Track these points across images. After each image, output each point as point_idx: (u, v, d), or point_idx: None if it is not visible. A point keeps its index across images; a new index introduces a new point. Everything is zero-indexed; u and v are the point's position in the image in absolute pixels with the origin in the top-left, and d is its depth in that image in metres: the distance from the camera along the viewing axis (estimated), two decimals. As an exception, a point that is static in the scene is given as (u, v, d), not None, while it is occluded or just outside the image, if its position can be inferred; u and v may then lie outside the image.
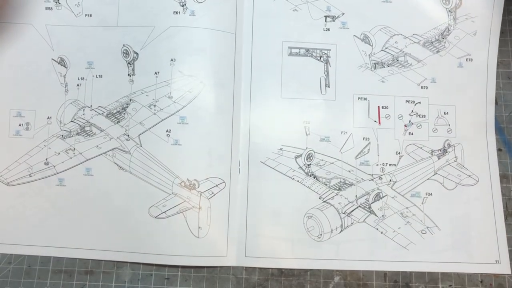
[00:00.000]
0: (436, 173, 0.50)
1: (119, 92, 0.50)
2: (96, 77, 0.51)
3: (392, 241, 0.48)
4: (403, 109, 0.51)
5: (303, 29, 0.52)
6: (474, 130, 0.51)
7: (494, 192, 0.49)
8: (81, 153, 0.49)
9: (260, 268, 0.48)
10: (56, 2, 0.52)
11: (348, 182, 0.49)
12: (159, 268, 0.48)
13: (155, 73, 0.50)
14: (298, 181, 0.49)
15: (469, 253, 0.48)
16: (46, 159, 0.49)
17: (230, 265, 0.47)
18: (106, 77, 0.51)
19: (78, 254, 0.48)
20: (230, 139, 0.49)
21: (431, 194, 0.49)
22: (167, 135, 0.49)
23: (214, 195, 0.48)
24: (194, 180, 0.48)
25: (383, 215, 0.49)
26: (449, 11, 0.53)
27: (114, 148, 0.49)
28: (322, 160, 0.50)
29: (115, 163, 0.49)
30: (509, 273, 0.48)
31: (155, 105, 0.50)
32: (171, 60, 0.50)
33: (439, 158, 0.50)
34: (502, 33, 0.53)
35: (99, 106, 0.50)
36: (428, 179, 0.50)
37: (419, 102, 0.51)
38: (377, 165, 0.50)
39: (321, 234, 0.48)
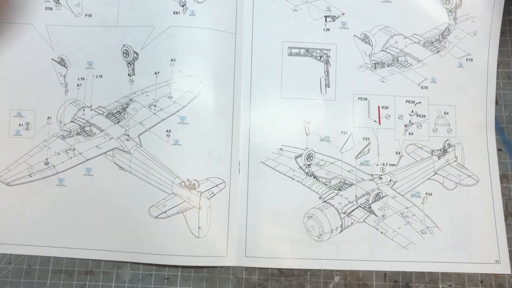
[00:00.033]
0: (436, 173, 0.50)
1: (119, 92, 0.50)
2: (96, 77, 0.51)
3: (392, 241, 0.48)
4: (403, 109, 0.51)
5: (303, 29, 0.52)
6: (474, 130, 0.51)
7: (494, 192, 0.49)
8: (81, 153, 0.49)
9: (260, 268, 0.48)
10: (56, 2, 0.52)
11: (348, 182, 0.49)
12: (159, 268, 0.48)
13: (155, 73, 0.50)
14: (298, 181, 0.49)
15: (469, 253, 0.48)
16: (46, 159, 0.49)
17: (230, 265, 0.47)
18: (106, 77, 0.51)
19: (78, 254, 0.48)
20: (230, 139, 0.49)
21: (431, 194, 0.49)
22: (167, 135, 0.49)
23: (214, 195, 0.48)
24: (194, 180, 0.48)
25: (383, 215, 0.49)
26: (449, 11, 0.53)
27: (114, 148, 0.49)
28: (322, 160, 0.50)
29: (115, 163, 0.49)
30: (509, 273, 0.48)
31: (155, 105, 0.50)
32: (171, 60, 0.50)
33: (439, 158, 0.50)
34: (502, 33, 0.53)
35: (99, 106, 0.50)
36: (428, 179, 0.50)
37: (419, 102, 0.51)
38: (377, 165, 0.50)
39: (321, 234, 0.48)
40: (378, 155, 0.50)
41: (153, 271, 0.48)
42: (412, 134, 0.51)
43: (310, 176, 0.49)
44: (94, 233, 0.48)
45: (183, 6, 0.51)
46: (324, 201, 0.49)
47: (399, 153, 0.50)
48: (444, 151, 0.51)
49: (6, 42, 0.51)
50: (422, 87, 0.52)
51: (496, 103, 0.52)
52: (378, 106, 0.51)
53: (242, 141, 0.50)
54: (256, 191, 0.49)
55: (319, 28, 0.52)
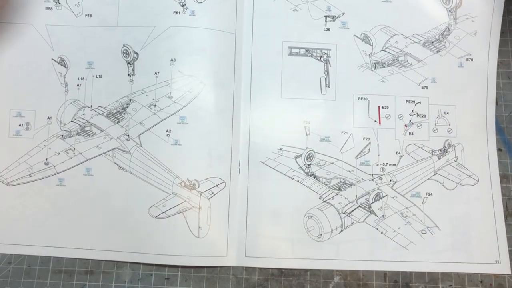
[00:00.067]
0: (436, 173, 0.50)
1: (119, 92, 0.50)
2: (96, 77, 0.51)
3: (392, 241, 0.48)
4: (403, 109, 0.51)
5: (303, 29, 0.52)
6: (474, 130, 0.51)
7: (494, 192, 0.49)
8: (81, 153, 0.49)
9: (260, 268, 0.48)
10: (56, 2, 0.52)
11: (348, 182, 0.49)
12: (159, 268, 0.48)
13: (155, 73, 0.50)
14: (298, 181, 0.49)
15: (469, 253, 0.48)
16: (46, 159, 0.49)
17: (230, 265, 0.47)
18: (106, 77, 0.51)
19: (78, 254, 0.48)
20: (230, 139, 0.49)
21: (431, 194, 0.49)
22: (167, 135, 0.49)
23: (214, 195, 0.48)
24: (194, 180, 0.48)
25: (383, 215, 0.49)
26: (450, 11, 0.53)
27: (114, 148, 0.49)
28: (322, 160, 0.50)
29: (115, 163, 0.49)
30: (509, 273, 0.48)
31: (155, 105, 0.50)
32: (171, 60, 0.50)
33: (439, 158, 0.50)
34: (502, 33, 0.53)
35: (99, 106, 0.50)
36: (428, 179, 0.50)
37: (420, 102, 0.51)
38: (377, 165, 0.50)
39: (321, 234, 0.48)
40: (378, 155, 0.50)
41: (153, 271, 0.48)
42: (412, 134, 0.51)
43: (310, 176, 0.49)
44: (94, 233, 0.48)
45: (183, 6, 0.51)
46: (324, 201, 0.49)
47: (399, 153, 0.50)
48: (444, 151, 0.51)
49: (6, 42, 0.51)
50: (422, 87, 0.52)
51: (496, 103, 0.52)
52: (378, 106, 0.51)
53: (242, 141, 0.50)
54: (256, 191, 0.49)
55: (319, 28, 0.52)
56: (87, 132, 0.50)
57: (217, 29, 0.51)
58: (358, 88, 0.51)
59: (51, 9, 0.52)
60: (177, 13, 0.51)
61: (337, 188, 0.49)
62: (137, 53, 0.50)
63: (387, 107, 0.51)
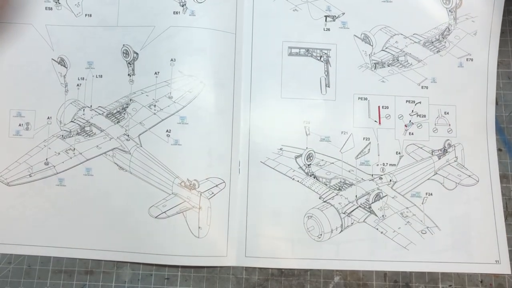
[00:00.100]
0: (436, 173, 0.50)
1: (119, 92, 0.50)
2: (96, 77, 0.51)
3: (392, 241, 0.48)
4: (403, 109, 0.51)
5: (303, 29, 0.52)
6: (474, 130, 0.51)
7: (494, 192, 0.49)
8: (81, 153, 0.49)
9: (260, 268, 0.48)
10: (56, 2, 0.52)
11: (348, 182, 0.49)
12: (159, 268, 0.48)
13: (155, 73, 0.50)
14: (298, 181, 0.49)
15: (469, 253, 0.48)
16: (46, 159, 0.49)
17: (230, 265, 0.47)
18: (106, 77, 0.51)
19: (78, 254, 0.48)
20: (230, 139, 0.49)
21: (431, 194, 0.49)
22: (167, 135, 0.49)
23: (214, 195, 0.48)
24: (194, 180, 0.48)
25: (383, 215, 0.49)
26: (450, 11, 0.53)
27: (114, 148, 0.49)
28: (322, 160, 0.50)
29: (115, 163, 0.49)
30: (509, 273, 0.48)
31: (155, 105, 0.50)
32: (171, 60, 0.50)
33: (439, 158, 0.50)
34: (503, 33, 0.53)
35: (99, 106, 0.50)
36: (428, 179, 0.50)
37: (420, 102, 0.51)
38: (377, 165, 0.50)
39: (321, 234, 0.48)
40: (378, 155, 0.50)
41: (153, 271, 0.48)
42: (412, 134, 0.51)
43: (310, 176, 0.49)
44: (94, 233, 0.48)
45: (183, 6, 0.51)
46: (324, 201, 0.49)
47: (399, 153, 0.50)
48: (444, 151, 0.51)
49: (6, 42, 0.51)
50: (422, 87, 0.52)
51: (496, 103, 0.52)
52: (378, 106, 0.51)
53: (242, 141, 0.50)
54: (256, 191, 0.49)
55: (319, 28, 0.52)
56: (87, 132, 0.50)
57: (217, 29, 0.51)
58: (358, 88, 0.51)
59: (51, 9, 0.52)
60: (177, 13, 0.51)
61: (337, 188, 0.49)
62: (137, 53, 0.50)
63: (387, 107, 0.51)
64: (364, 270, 0.48)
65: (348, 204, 0.49)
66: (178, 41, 0.50)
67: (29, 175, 0.49)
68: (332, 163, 0.50)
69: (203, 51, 0.50)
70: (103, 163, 0.49)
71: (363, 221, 0.49)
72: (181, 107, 0.49)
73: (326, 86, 0.51)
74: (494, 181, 0.50)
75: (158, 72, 0.50)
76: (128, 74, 0.50)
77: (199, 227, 0.47)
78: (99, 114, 0.50)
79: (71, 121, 0.50)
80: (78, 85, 0.51)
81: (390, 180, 0.50)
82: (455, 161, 0.50)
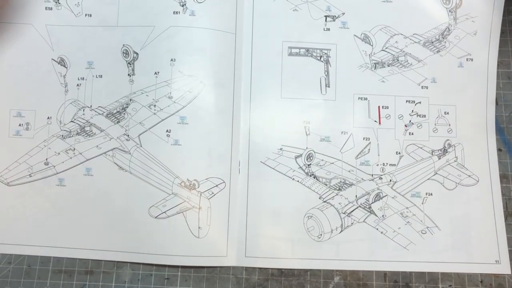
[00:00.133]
0: (436, 173, 0.50)
1: (119, 92, 0.50)
2: (96, 77, 0.51)
3: (392, 241, 0.48)
4: (403, 109, 0.51)
5: (303, 29, 0.52)
6: (474, 130, 0.51)
7: (494, 192, 0.49)
8: (81, 153, 0.49)
9: (260, 268, 0.48)
10: (56, 2, 0.52)
11: (348, 182, 0.49)
12: (159, 268, 0.48)
13: (155, 73, 0.50)
14: (298, 181, 0.49)
15: (469, 253, 0.48)
16: (46, 159, 0.49)
17: (230, 265, 0.47)
18: (106, 77, 0.51)
19: (78, 254, 0.48)
20: (230, 139, 0.49)
21: (431, 194, 0.49)
22: (167, 135, 0.49)
23: (214, 195, 0.48)
24: (194, 180, 0.48)
25: (383, 215, 0.49)
26: (450, 11, 0.53)
27: (114, 148, 0.49)
28: (322, 160, 0.50)
29: (115, 163, 0.49)
30: (509, 273, 0.48)
31: (155, 105, 0.50)
32: (171, 60, 0.50)
33: (439, 158, 0.50)
34: (502, 33, 0.53)
35: (99, 106, 0.50)
36: (428, 179, 0.50)
37: (420, 102, 0.51)
38: (377, 165, 0.50)
39: (321, 234, 0.48)
40: (378, 155, 0.50)
41: (153, 271, 0.48)
42: (412, 134, 0.51)
43: (310, 176, 0.49)
44: (94, 233, 0.48)
45: (183, 6, 0.51)
46: (324, 201, 0.49)
47: (399, 153, 0.50)
48: (444, 151, 0.51)
49: (6, 42, 0.51)
50: (422, 87, 0.52)
51: (496, 103, 0.52)
52: (378, 106, 0.51)
53: (242, 141, 0.50)
54: (256, 191, 0.49)
55: (319, 28, 0.52)
56: (87, 132, 0.50)
57: (217, 29, 0.51)
58: (358, 88, 0.51)
59: (51, 9, 0.52)
60: (177, 13, 0.51)
61: (337, 188, 0.49)
62: (137, 53, 0.50)
63: (387, 107, 0.51)
64: (364, 270, 0.48)
65: (348, 204, 0.49)
66: (178, 41, 0.50)
67: (29, 175, 0.49)
68: (332, 163, 0.50)
69: (203, 51, 0.50)
70: (103, 163, 0.49)
71: (363, 221, 0.49)
72: (181, 107, 0.49)
73: (326, 86, 0.51)
74: (494, 181, 0.50)
75: (158, 72, 0.50)
76: (128, 74, 0.50)
77: (199, 227, 0.47)
78: (99, 114, 0.50)
79: (71, 121, 0.50)
80: (78, 85, 0.51)
81: (390, 180, 0.50)
82: (455, 161, 0.50)
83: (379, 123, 0.51)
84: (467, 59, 0.52)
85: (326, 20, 0.52)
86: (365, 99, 0.51)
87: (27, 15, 0.52)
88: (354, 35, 0.52)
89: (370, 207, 0.49)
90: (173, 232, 0.47)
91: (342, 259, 0.48)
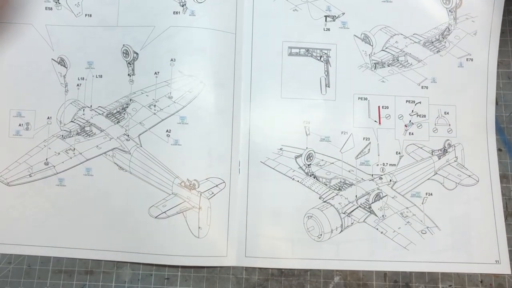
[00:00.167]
0: (436, 173, 0.50)
1: (119, 92, 0.50)
2: (96, 77, 0.51)
3: (392, 241, 0.48)
4: (403, 109, 0.51)
5: (303, 29, 0.52)
6: (474, 130, 0.51)
7: (494, 192, 0.49)
8: (81, 153, 0.49)
9: (260, 268, 0.48)
10: (56, 2, 0.52)
11: (348, 182, 0.49)
12: (159, 268, 0.48)
13: (155, 73, 0.50)
14: (298, 181, 0.49)
15: (469, 253, 0.48)
16: (46, 159, 0.49)
17: (230, 265, 0.47)
18: (106, 77, 0.51)
19: (78, 254, 0.48)
20: (230, 139, 0.49)
21: (431, 194, 0.49)
22: (167, 135, 0.49)
23: (214, 195, 0.48)
24: (194, 180, 0.48)
25: (383, 215, 0.49)
26: (450, 11, 0.53)
27: (114, 148, 0.49)
28: (322, 160, 0.50)
29: (115, 163, 0.49)
30: (509, 273, 0.48)
31: (155, 105, 0.50)
32: (171, 60, 0.50)
33: (439, 158, 0.50)
34: (503, 33, 0.53)
35: (99, 106, 0.50)
36: (428, 179, 0.50)
37: (420, 102, 0.51)
38: (377, 165, 0.50)
39: (321, 234, 0.48)
40: (378, 155, 0.50)
41: (153, 271, 0.48)
42: (412, 134, 0.51)
43: (310, 176, 0.49)
44: (94, 233, 0.48)
45: (183, 6, 0.51)
46: (324, 201, 0.49)
47: (399, 153, 0.50)
48: (444, 151, 0.51)
49: (6, 42, 0.51)
50: (422, 87, 0.52)
51: (496, 103, 0.52)
52: (378, 106, 0.51)
53: (242, 141, 0.50)
54: (256, 191, 0.49)
55: (319, 28, 0.52)
56: (87, 132, 0.50)
57: (217, 29, 0.51)
58: (358, 88, 0.51)
59: (51, 9, 0.52)
60: (177, 13, 0.51)
61: (337, 188, 0.49)
62: (137, 53, 0.50)
63: (387, 107, 0.51)
64: (364, 270, 0.48)
65: (348, 204, 0.49)
66: (178, 41, 0.50)
67: (29, 175, 0.49)
68: (332, 163, 0.50)
69: (203, 51, 0.50)
70: (103, 163, 0.49)
71: (363, 221, 0.49)
72: (181, 107, 0.49)
73: (326, 86, 0.51)
74: (494, 181, 0.50)
75: (158, 72, 0.50)
76: (128, 74, 0.50)
77: (199, 227, 0.47)
78: (99, 114, 0.50)
79: (71, 121, 0.50)
80: (78, 85, 0.51)
81: (390, 180, 0.50)
82: (455, 161, 0.50)
83: (379, 123, 0.51)
84: (467, 59, 0.52)
85: (326, 20, 0.52)
86: (365, 99, 0.51)
87: (27, 15, 0.52)
88: (354, 35, 0.52)
89: (370, 207, 0.49)
90: (173, 232, 0.47)
91: (342, 259, 0.48)
